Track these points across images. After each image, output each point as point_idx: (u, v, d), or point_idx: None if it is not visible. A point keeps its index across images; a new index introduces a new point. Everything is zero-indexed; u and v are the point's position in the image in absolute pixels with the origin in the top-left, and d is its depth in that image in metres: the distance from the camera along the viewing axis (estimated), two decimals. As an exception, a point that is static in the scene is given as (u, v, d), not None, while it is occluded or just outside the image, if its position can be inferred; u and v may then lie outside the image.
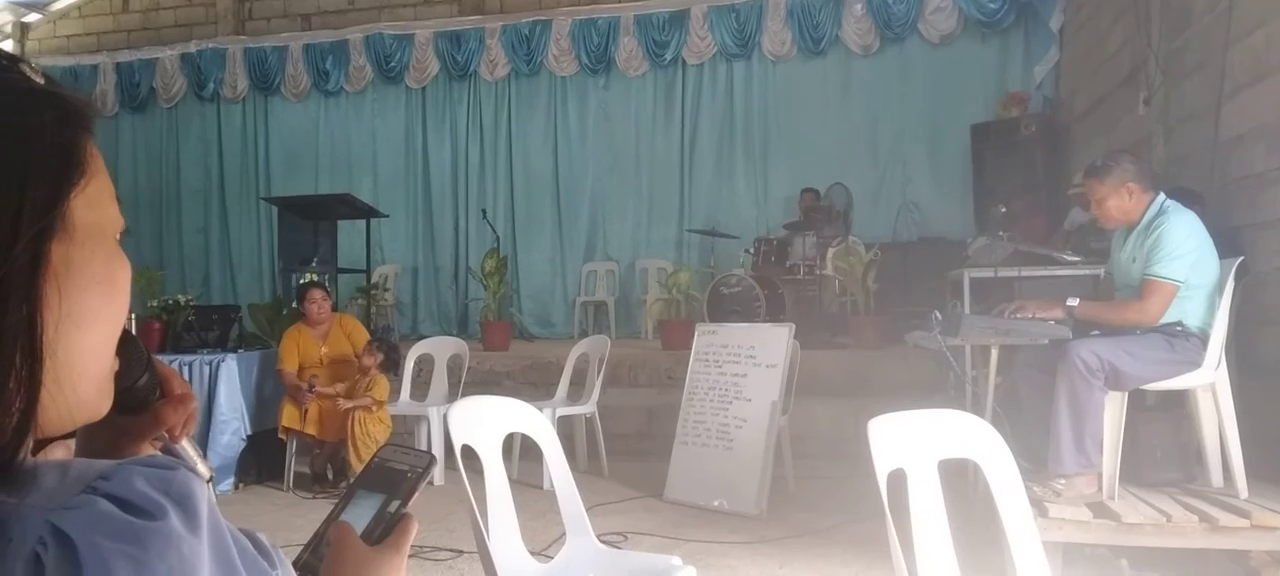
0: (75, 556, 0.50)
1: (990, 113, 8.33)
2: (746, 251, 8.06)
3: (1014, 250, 4.73)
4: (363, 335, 5.77)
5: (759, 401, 4.92)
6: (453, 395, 6.02)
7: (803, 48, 9.09)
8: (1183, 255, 3.41)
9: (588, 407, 5.70)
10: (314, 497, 5.35)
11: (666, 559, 2.57)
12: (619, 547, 3.87)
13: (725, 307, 7.17)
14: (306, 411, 5.41)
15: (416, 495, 0.83)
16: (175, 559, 0.51)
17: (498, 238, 8.84)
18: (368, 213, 7.90)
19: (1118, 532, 3.19)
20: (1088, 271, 4.51)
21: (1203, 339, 3.42)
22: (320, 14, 10.57)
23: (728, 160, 9.44)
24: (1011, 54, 8.66)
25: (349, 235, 8.27)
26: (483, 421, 2.63)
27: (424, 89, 10.18)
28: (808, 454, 5.43)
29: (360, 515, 0.81)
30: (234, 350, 5.85)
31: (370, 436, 5.23)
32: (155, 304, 6.33)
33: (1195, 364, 3.40)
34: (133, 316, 5.50)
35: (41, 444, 0.64)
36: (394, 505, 0.82)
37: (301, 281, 6.50)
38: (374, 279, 8.86)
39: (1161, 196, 3.60)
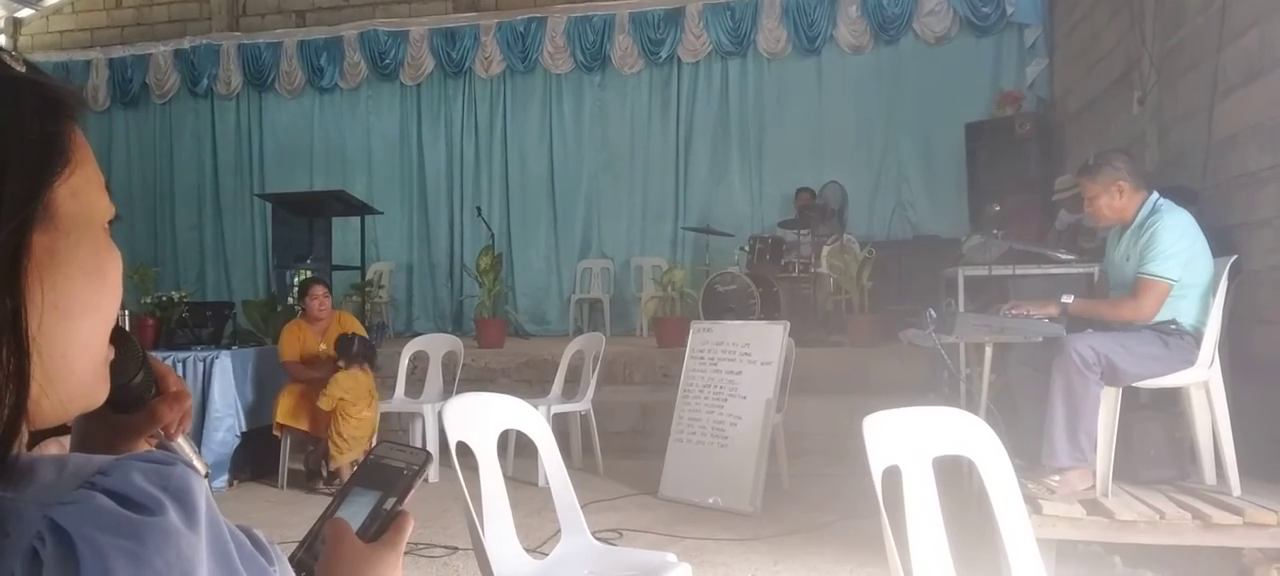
0: (73, 551, 0.49)
1: (985, 111, 8.35)
2: (741, 249, 8.06)
3: (1008, 248, 4.75)
4: (362, 334, 5.74)
5: (754, 399, 4.93)
6: (448, 392, 6.01)
7: (798, 46, 9.10)
8: (1176, 254, 3.42)
9: (583, 405, 5.70)
10: (309, 493, 5.35)
11: (661, 555, 2.58)
12: (614, 544, 3.87)
13: (720, 305, 7.17)
14: (301, 408, 5.40)
15: (412, 492, 0.83)
16: (173, 554, 0.51)
17: (493, 235, 8.83)
18: (362, 209, 7.89)
19: (1111, 530, 3.20)
20: (1081, 270, 4.53)
21: (1196, 337, 3.44)
22: (314, 10, 10.54)
23: (723, 158, 9.45)
24: (1006, 53, 8.68)
25: (343, 232, 8.26)
26: (478, 419, 2.63)
27: (419, 86, 10.17)
28: (802, 451, 5.44)
29: (356, 512, 0.81)
30: (228, 347, 5.85)
31: (341, 435, 5.22)
32: (149, 300, 6.30)
33: (1189, 362, 3.42)
34: (126, 313, 5.48)
35: (36, 439, 0.64)
36: (390, 502, 0.82)
37: (304, 277, 6.48)
38: (368, 276, 8.85)
39: (1155, 195, 3.61)
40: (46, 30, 11.26)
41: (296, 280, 7.78)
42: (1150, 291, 3.43)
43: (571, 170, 9.83)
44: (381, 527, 0.80)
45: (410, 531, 0.82)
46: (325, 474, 5.51)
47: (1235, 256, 3.56)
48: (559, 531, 2.69)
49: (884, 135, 9.00)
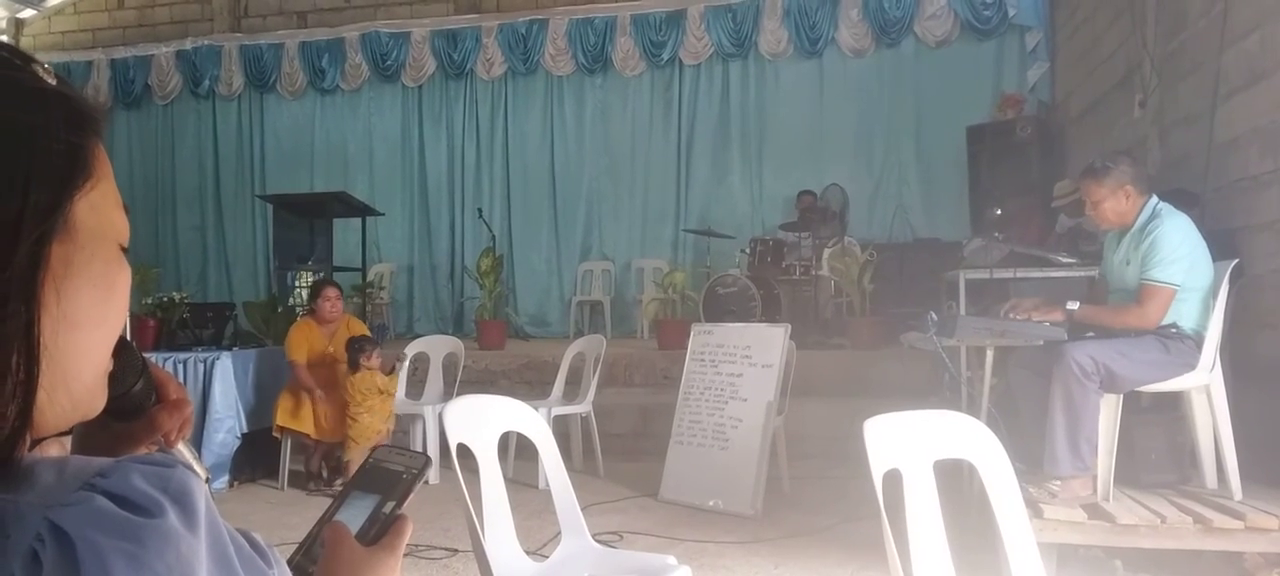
0: (73, 553, 0.49)
1: (986, 114, 8.35)
2: (742, 252, 8.06)
3: (1009, 251, 4.75)
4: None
5: (754, 401, 4.93)
6: (448, 394, 6.01)
7: (799, 48, 9.10)
8: (1178, 259, 3.42)
9: (583, 407, 5.69)
10: (310, 495, 5.34)
11: (661, 558, 2.57)
12: (614, 547, 3.87)
13: (721, 308, 7.17)
14: (302, 409, 5.40)
15: (411, 496, 0.83)
16: (173, 556, 0.51)
17: (494, 236, 8.83)
18: (363, 211, 7.89)
19: (1112, 534, 3.20)
20: (1082, 273, 4.52)
21: (1197, 341, 3.43)
22: (316, 11, 10.56)
23: (724, 160, 9.45)
24: (1007, 56, 8.68)
25: (345, 233, 8.27)
26: (478, 420, 2.62)
27: (420, 87, 10.18)
28: (803, 454, 5.43)
29: (355, 515, 0.81)
30: (229, 348, 5.84)
31: (353, 438, 5.23)
32: (150, 301, 6.30)
33: (1190, 366, 3.41)
34: (126, 316, 5.47)
35: (35, 443, 0.63)
36: (389, 506, 0.82)
37: (316, 279, 6.47)
38: (370, 277, 8.86)
39: (1154, 199, 3.61)
40: (48, 31, 11.27)
41: (298, 281, 7.80)
42: (1155, 297, 3.43)
43: (572, 172, 9.84)
44: (380, 531, 0.80)
45: (409, 535, 0.82)
46: (325, 475, 5.52)
47: (1237, 260, 3.56)
48: (559, 533, 2.68)
49: (885, 138, 9.01)
